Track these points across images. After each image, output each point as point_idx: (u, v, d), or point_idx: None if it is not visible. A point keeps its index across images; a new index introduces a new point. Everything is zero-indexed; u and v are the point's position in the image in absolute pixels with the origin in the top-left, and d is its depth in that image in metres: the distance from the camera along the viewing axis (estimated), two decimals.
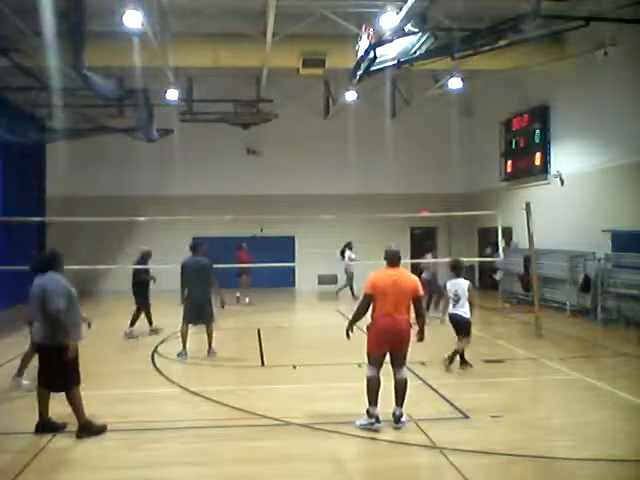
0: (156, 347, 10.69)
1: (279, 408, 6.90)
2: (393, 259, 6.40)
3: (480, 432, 6.13)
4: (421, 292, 6.35)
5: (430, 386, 7.82)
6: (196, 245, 10.50)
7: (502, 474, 5.20)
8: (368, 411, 6.18)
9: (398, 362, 6.28)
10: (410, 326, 6.25)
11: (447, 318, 8.82)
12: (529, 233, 11.83)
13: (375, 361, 6.26)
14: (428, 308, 13.60)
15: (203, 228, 18.61)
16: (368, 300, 6.27)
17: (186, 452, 5.74)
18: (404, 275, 6.36)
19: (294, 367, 9.05)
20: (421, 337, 6.35)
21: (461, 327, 8.67)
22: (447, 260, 10.50)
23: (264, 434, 6.16)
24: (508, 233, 17.11)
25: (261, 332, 12.22)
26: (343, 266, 18.30)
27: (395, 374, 6.29)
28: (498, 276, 17.78)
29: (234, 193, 20.47)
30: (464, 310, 8.64)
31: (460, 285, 8.69)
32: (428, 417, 6.51)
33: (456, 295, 8.64)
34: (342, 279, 18.90)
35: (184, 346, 9.90)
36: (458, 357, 8.78)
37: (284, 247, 20.61)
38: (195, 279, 9.88)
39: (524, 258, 15.43)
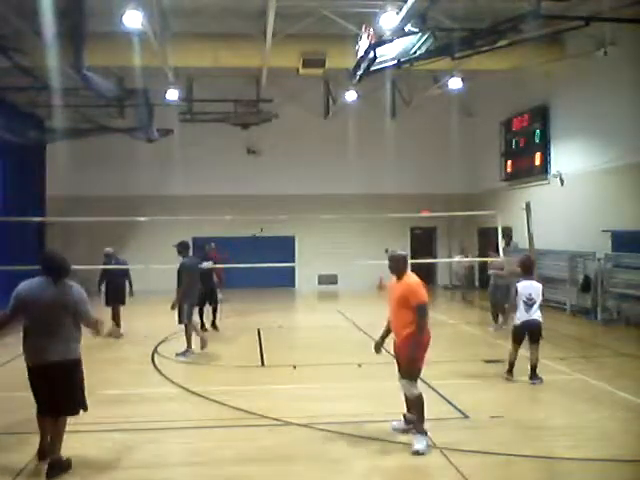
0: (156, 347, 10.70)
1: (279, 408, 6.90)
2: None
3: (480, 432, 6.13)
4: None
5: (430, 386, 7.81)
6: (188, 246, 10.76)
7: (502, 474, 5.20)
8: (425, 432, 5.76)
9: None
10: None
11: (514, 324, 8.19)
12: (529, 233, 11.83)
13: (419, 375, 5.97)
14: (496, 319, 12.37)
15: (203, 228, 18.62)
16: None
17: (186, 452, 5.74)
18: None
19: (294, 367, 9.04)
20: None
21: (536, 334, 8.12)
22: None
23: (264, 434, 6.16)
24: (508, 233, 17.10)
25: (261, 332, 12.22)
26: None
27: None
28: None
29: (234, 193, 20.46)
30: (539, 314, 8.15)
31: (535, 288, 8.12)
32: (428, 417, 6.48)
33: (530, 299, 8.04)
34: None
35: (190, 345, 10.02)
36: (529, 368, 8.11)
37: (284, 247, 20.60)
38: (197, 279, 10.33)
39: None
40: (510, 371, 8.18)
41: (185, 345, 10.07)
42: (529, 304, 8.01)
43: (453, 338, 11.67)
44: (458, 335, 11.95)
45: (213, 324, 12.60)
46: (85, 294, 5.39)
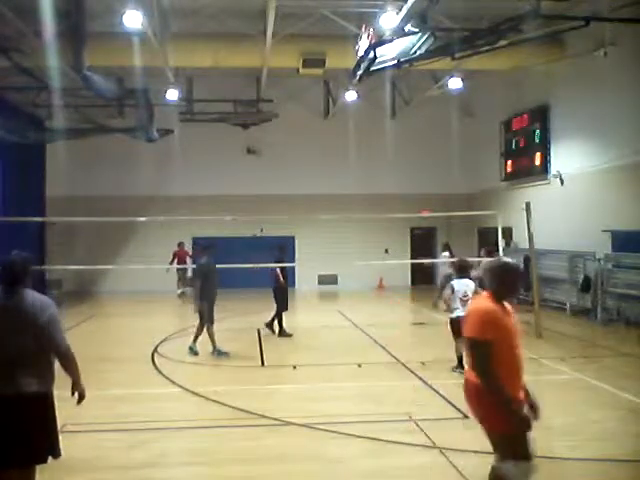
0: (156, 347, 10.70)
1: (279, 408, 6.90)
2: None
3: (480, 432, 6.08)
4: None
5: (430, 386, 7.81)
6: None
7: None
8: None
9: None
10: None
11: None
12: (529, 233, 11.84)
13: None
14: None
15: (203, 228, 18.63)
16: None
17: (186, 452, 5.74)
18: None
19: (294, 367, 9.05)
20: None
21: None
22: (453, 260, 10.34)
23: (264, 434, 6.16)
24: (508, 233, 17.10)
25: (261, 332, 12.21)
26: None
27: None
28: None
29: (234, 193, 20.46)
30: None
31: (469, 286, 8.58)
32: (428, 417, 6.50)
33: (466, 296, 8.44)
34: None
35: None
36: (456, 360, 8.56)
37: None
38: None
39: (524, 258, 15.44)
40: (461, 364, 8.39)
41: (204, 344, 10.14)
42: (465, 300, 8.39)
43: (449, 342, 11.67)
44: None
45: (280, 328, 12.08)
46: (55, 310, 4.07)
